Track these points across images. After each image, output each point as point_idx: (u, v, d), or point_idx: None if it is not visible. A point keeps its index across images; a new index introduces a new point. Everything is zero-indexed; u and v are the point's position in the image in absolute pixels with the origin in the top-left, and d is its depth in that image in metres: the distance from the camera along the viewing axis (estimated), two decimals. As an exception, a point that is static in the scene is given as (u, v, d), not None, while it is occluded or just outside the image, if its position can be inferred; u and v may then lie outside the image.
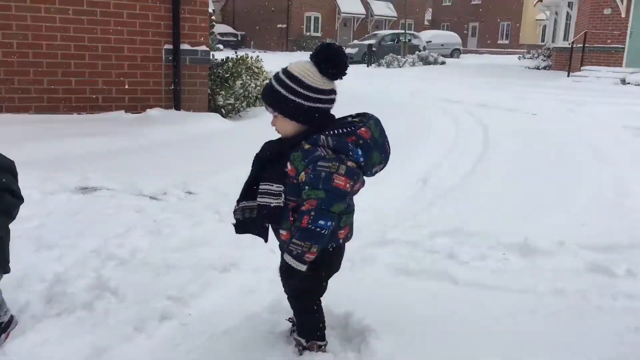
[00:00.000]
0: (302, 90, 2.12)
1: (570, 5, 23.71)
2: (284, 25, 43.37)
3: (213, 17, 16.07)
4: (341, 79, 2.21)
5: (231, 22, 47.70)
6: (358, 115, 2.27)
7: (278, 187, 2.14)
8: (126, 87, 7.88)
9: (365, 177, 2.25)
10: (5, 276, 3.07)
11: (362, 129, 2.17)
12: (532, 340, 2.65)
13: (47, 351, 2.40)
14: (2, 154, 2.45)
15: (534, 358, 2.51)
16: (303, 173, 2.10)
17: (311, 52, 2.23)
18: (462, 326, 2.74)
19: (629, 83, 17.41)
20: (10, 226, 3.79)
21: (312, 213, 2.06)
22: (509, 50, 45.68)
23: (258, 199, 2.19)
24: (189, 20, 8.14)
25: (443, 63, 28.66)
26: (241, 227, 2.35)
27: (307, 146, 2.11)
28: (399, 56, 28.26)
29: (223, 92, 8.50)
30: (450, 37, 40.06)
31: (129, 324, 2.69)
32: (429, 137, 8.03)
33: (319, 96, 2.16)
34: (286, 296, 2.45)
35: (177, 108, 8.10)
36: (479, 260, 3.63)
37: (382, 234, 4.04)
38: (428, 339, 2.58)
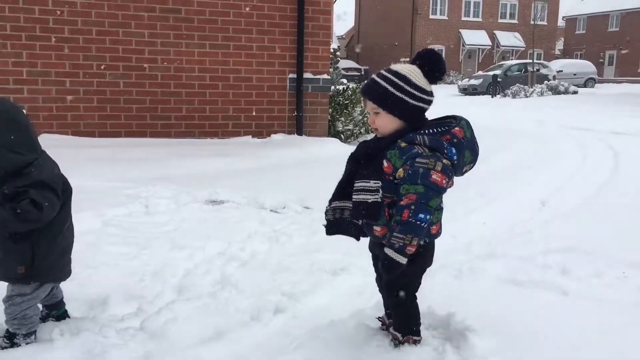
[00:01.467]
0: (409, 88, 2.27)
1: None
2: (407, 59, 43.58)
3: (338, 53, 16.78)
4: (441, 80, 2.38)
5: (355, 57, 48.91)
6: (448, 117, 2.40)
7: (375, 183, 2.24)
8: (253, 113, 8.47)
9: (457, 178, 2.35)
10: (142, 269, 3.51)
11: (456, 128, 2.31)
12: (644, 352, 2.56)
13: (176, 327, 2.70)
14: (48, 167, 2.43)
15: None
16: (401, 169, 2.21)
17: (414, 57, 2.39)
18: (569, 334, 2.69)
19: None
20: (150, 229, 4.30)
21: (412, 207, 2.16)
22: (650, 78, 42.50)
23: (354, 197, 2.29)
24: (312, 51, 8.61)
25: (575, 92, 27.34)
26: (332, 227, 2.46)
27: (403, 144, 2.24)
28: (526, 86, 27.38)
29: (342, 119, 8.84)
30: (583, 66, 38.15)
31: (246, 313, 2.95)
32: (552, 162, 7.77)
33: (423, 96, 2.31)
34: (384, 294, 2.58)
35: (299, 133, 8.54)
36: (595, 277, 3.51)
37: (492, 248, 4.04)
38: (530, 343, 2.58)
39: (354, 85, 9.76)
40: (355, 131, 8.96)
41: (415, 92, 2.29)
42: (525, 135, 10.61)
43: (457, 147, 2.29)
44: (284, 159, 7.12)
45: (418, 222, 2.18)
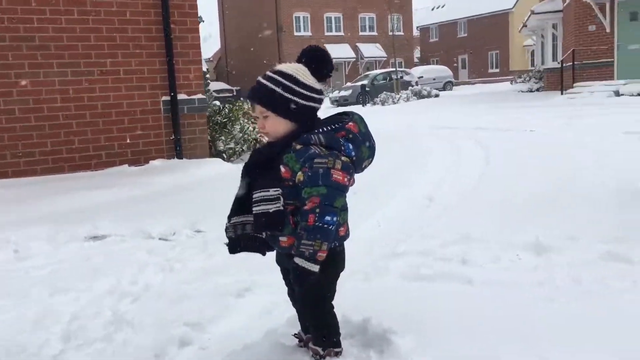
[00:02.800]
0: (297, 88, 2.17)
1: (554, 26, 24.17)
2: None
3: (207, 75, 16.53)
4: (330, 76, 2.31)
5: (225, 78, 48.59)
6: (339, 114, 2.34)
7: (275, 191, 2.11)
8: (128, 141, 8.01)
9: (356, 176, 2.29)
10: (21, 320, 3.10)
11: (350, 123, 2.24)
12: (551, 327, 2.63)
13: (69, 381, 2.39)
14: None
15: (554, 345, 2.48)
16: (300, 173, 2.11)
17: (299, 55, 2.29)
18: (482, 320, 2.71)
19: (622, 94, 17.55)
20: (25, 276, 3.85)
21: (317, 210, 2.06)
22: (500, 78, 46.29)
23: (254, 209, 2.14)
24: (183, 71, 8.33)
25: (437, 96, 29.02)
26: (235, 245, 2.31)
27: (299, 146, 2.14)
28: (393, 93, 28.66)
29: (223, 138, 8.63)
30: (441, 71, 40.75)
31: (148, 351, 2.68)
32: (430, 160, 8.08)
33: (312, 95, 2.22)
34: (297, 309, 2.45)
35: (179, 157, 8.20)
36: (493, 262, 3.62)
37: (392, 247, 4.05)
38: (449, 335, 2.56)
39: (231, 105, 9.58)
40: (237, 149, 8.77)
41: (304, 92, 2.20)
42: (401, 139, 10.98)
43: (353, 142, 2.22)
44: (167, 184, 6.77)
45: (325, 225, 2.07)
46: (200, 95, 8.46)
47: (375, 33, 48.66)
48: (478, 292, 3.11)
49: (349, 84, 35.92)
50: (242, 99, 9.76)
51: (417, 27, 58.52)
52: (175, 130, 8.17)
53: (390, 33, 36.55)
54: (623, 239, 3.84)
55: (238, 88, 45.65)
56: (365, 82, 32.32)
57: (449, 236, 4.17)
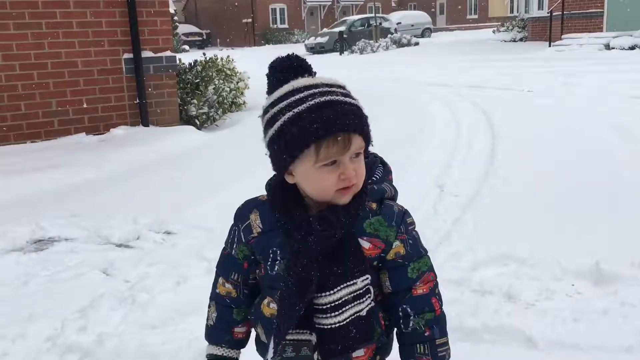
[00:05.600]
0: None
1: (541, -28, 23.06)
2: (249, 20, 42.22)
3: (175, 18, 15.16)
4: None
5: (194, 20, 46.39)
6: None
7: (364, 279, 1.28)
8: (84, 105, 6.93)
9: None
10: None
11: (385, 162, 1.45)
12: None
13: None
14: None
15: None
16: (398, 242, 1.31)
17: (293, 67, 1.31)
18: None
19: (613, 48, 16.80)
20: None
21: (437, 290, 1.38)
22: (479, 24, 45.08)
23: (334, 320, 1.26)
24: (149, 24, 7.19)
25: (417, 44, 27.88)
26: None
27: (374, 205, 1.32)
28: (372, 41, 27.44)
29: (195, 101, 7.60)
30: (419, 17, 39.32)
31: None
32: (428, 131, 7.21)
33: None
34: None
35: (145, 124, 7.17)
36: (547, 299, 2.85)
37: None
38: None
39: (202, 59, 8.48)
40: (211, 114, 7.76)
41: None
42: (392, 100, 10.06)
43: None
44: (130, 162, 5.80)
45: (444, 311, 1.39)
46: (168, 53, 7.36)
47: (351, -25, 46.68)
48: (547, 361, 2.33)
49: (325, 30, 34.39)
50: (211, 48, 8.53)
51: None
52: (140, 94, 7.10)
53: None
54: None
55: (208, 31, 43.68)
56: (342, 28, 30.85)
57: (481, 252, 3.37)
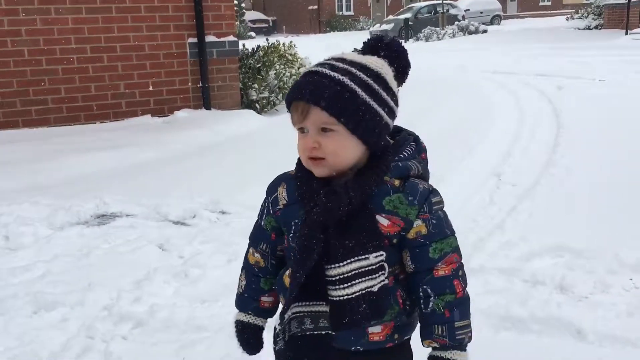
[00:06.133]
0: (386, 97, 1.30)
1: (621, -44, 21.92)
2: (315, 7, 42.26)
3: (243, 5, 15.35)
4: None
5: (261, 8, 46.88)
6: None
7: (378, 255, 1.27)
8: (150, 88, 7.17)
9: None
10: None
11: (420, 140, 1.43)
12: None
13: None
14: None
15: None
16: (419, 221, 1.30)
17: (368, 44, 1.39)
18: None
19: (697, 37, 15.85)
20: (7, 279, 3.14)
21: (460, 272, 1.33)
22: (552, 12, 43.41)
23: (342, 292, 1.26)
24: (213, 9, 7.34)
25: (485, 32, 27.17)
26: (298, 353, 1.36)
27: (397, 182, 1.31)
28: (438, 28, 26.95)
29: (256, 85, 7.71)
30: (489, 4, 38.18)
31: None
32: (491, 119, 7.04)
33: (395, 108, 1.34)
34: None
35: (207, 107, 7.35)
36: (602, 292, 2.75)
37: (464, 258, 3.18)
38: None
39: (265, 44, 8.57)
40: (271, 99, 7.85)
41: (391, 102, 1.32)
42: (454, 86, 9.88)
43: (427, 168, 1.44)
44: (191, 143, 5.95)
45: (468, 292, 1.35)
46: (231, 38, 7.49)
47: (420, -39, 45.83)
48: (595, 356, 2.25)
49: (390, 17, 34.02)
50: (275, 39, 8.57)
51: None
52: (203, 77, 7.27)
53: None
54: None
55: (274, 18, 44.07)
56: (408, 15, 30.48)
57: (535, 242, 3.28)
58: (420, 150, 1.40)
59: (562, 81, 9.71)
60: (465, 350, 1.32)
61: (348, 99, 1.25)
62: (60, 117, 6.77)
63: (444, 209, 1.34)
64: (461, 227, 3.60)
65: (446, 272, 1.30)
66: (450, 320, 1.30)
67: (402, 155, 1.35)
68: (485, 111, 7.46)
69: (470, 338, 1.33)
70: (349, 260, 1.26)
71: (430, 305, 1.30)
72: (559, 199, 4.09)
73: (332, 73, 1.26)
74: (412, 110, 6.22)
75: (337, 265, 1.26)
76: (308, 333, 1.32)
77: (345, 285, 1.26)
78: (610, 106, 7.25)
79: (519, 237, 3.36)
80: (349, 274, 1.26)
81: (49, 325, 2.68)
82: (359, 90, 1.25)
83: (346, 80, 1.25)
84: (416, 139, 1.42)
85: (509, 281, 2.89)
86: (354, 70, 1.28)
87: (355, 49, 1.43)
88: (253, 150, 5.88)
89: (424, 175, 1.37)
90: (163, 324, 2.67)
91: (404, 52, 1.39)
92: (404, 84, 1.41)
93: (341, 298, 1.26)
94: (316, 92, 1.24)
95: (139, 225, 3.90)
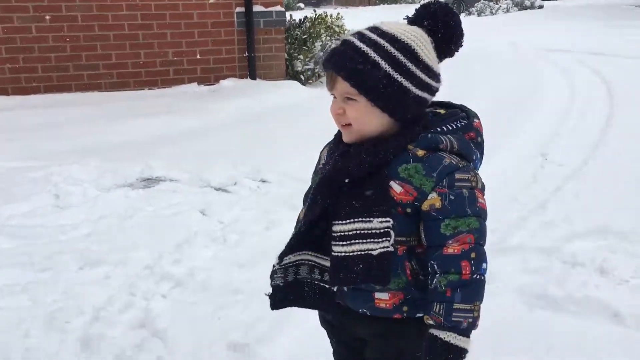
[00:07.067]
0: (415, 70, 1.29)
1: None
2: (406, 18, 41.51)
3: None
4: (454, 55, 1.41)
5: (311, -22, 46.44)
6: (440, 102, 1.46)
7: (383, 221, 1.29)
8: (197, 57, 7.25)
9: None
10: (31, 314, 2.52)
11: (476, 120, 1.42)
12: None
13: None
14: None
15: None
16: (435, 195, 1.29)
17: (415, 12, 1.39)
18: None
19: None
20: (56, 236, 3.28)
21: (473, 255, 1.28)
22: (614, -12, 41.51)
23: (341, 249, 1.30)
24: (261, -22, 7.34)
25: (541, 7, 26.18)
26: (283, 297, 1.47)
27: (420, 152, 1.31)
28: (491, 2, 26.17)
29: (301, 56, 7.69)
30: (547, -22, 36.83)
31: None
32: (541, 97, 6.85)
33: (431, 82, 1.34)
34: None
35: (253, 77, 7.39)
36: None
37: (502, 234, 3.16)
38: None
39: (312, 16, 8.51)
40: (317, 70, 7.83)
41: (423, 76, 1.31)
42: (504, 62, 9.62)
43: (480, 149, 1.42)
44: (235, 112, 6.01)
45: (483, 278, 1.30)
46: (278, 7, 7.47)
47: None
48: (631, 339, 2.21)
49: (443, -11, 33.15)
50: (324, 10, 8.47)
51: None
52: (249, 47, 7.29)
53: None
54: None
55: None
56: (461, -12, 29.68)
57: (578, 223, 3.21)
58: (468, 128, 1.39)
59: (618, 61, 9.32)
60: (465, 335, 1.28)
61: (369, 71, 1.27)
62: (111, 82, 6.93)
63: (477, 188, 1.31)
64: (501, 205, 3.58)
65: (456, 250, 1.28)
66: (449, 300, 1.27)
67: (439, 129, 1.35)
68: (536, 89, 7.25)
69: (471, 324, 1.28)
70: (351, 220, 1.30)
71: (434, 282, 1.29)
72: (607, 181, 3.98)
73: (358, 43, 1.29)
74: (461, 86, 6.12)
75: (340, 222, 1.31)
76: (316, 282, 1.41)
77: (344, 242, 1.30)
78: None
79: (562, 218, 3.30)
80: (350, 233, 1.30)
81: (92, 281, 2.80)
82: (382, 62, 1.27)
83: (370, 51, 1.28)
84: (468, 116, 1.40)
85: (547, 261, 2.85)
86: (381, 41, 1.29)
87: (407, 17, 1.42)
88: (296, 121, 5.89)
89: (464, 153, 1.34)
90: (201, 285, 2.75)
91: (450, 22, 1.36)
92: (451, 56, 1.40)
93: (339, 254, 1.30)
94: (340, 62, 1.30)
95: (181, 190, 4.00)
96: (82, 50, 6.78)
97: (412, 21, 1.37)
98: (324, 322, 1.62)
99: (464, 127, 1.38)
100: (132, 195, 3.85)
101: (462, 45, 1.38)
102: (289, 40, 7.85)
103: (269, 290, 1.47)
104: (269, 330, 2.37)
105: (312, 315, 2.24)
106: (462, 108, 1.45)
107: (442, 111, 1.43)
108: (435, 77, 1.34)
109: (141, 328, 2.44)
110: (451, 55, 1.39)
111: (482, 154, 1.43)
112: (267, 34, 7.45)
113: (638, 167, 4.22)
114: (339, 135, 1.43)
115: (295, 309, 1.92)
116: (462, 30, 1.37)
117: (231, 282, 2.75)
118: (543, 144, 4.95)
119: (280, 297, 1.47)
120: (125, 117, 5.69)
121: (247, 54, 7.35)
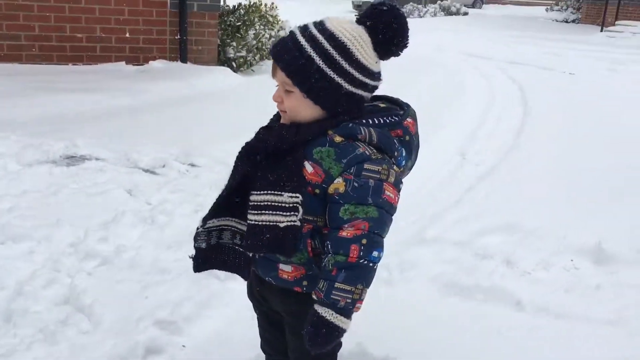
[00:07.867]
0: (348, 67, 1.39)
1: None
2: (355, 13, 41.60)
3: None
4: (399, 55, 1.49)
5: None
6: (380, 97, 1.56)
7: (292, 196, 1.38)
8: (127, 35, 7.09)
9: None
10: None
11: (408, 119, 1.50)
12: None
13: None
14: None
15: None
16: (340, 180, 1.38)
17: (363, 11, 1.47)
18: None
19: (668, 41, 16.24)
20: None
21: (364, 241, 1.36)
22: (534, 0, 43.70)
23: (254, 217, 1.41)
24: (197, -40, 7.26)
25: (466, 14, 27.27)
26: (205, 259, 1.59)
27: (338, 139, 1.40)
28: (420, 5, 26.93)
29: (234, 43, 7.68)
30: (473, -14, 38.22)
31: (102, 364, 2.05)
32: (462, 100, 7.20)
33: (366, 80, 1.43)
34: None
35: (183, 60, 7.31)
36: (544, 269, 2.95)
37: (421, 228, 3.36)
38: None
39: (246, 3, 8.50)
40: (249, 58, 7.85)
41: (357, 74, 1.41)
42: (429, 64, 9.99)
43: (407, 147, 1.50)
44: (165, 94, 5.95)
45: (371, 264, 1.38)
46: (213, -8, 7.43)
47: None
48: (530, 325, 2.44)
49: (374, -12, 33.71)
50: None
51: None
52: (182, 30, 7.21)
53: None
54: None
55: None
56: (392, -12, 30.29)
57: (489, 220, 3.46)
58: (396, 125, 1.47)
59: (533, 70, 9.94)
60: (343, 315, 1.36)
61: (303, 65, 1.38)
62: (32, 54, 6.66)
63: (386, 182, 1.38)
64: (421, 202, 3.79)
65: (348, 234, 1.36)
66: (332, 278, 1.35)
67: (364, 121, 1.43)
68: (457, 92, 7.61)
69: (349, 305, 1.35)
70: (265, 192, 1.41)
71: (325, 261, 1.39)
72: (517, 182, 4.28)
73: (298, 37, 1.40)
74: (387, 87, 6.33)
75: (255, 192, 1.42)
76: (237, 247, 1.56)
77: (256, 212, 1.41)
78: (578, 99, 7.49)
79: (475, 214, 3.55)
80: (262, 204, 1.41)
81: (16, 256, 2.74)
82: (316, 57, 1.38)
83: (307, 46, 1.39)
84: (405, 115, 1.49)
85: (460, 252, 3.06)
86: (320, 37, 1.38)
87: (356, 15, 1.52)
88: (226, 107, 5.91)
89: (382, 147, 1.42)
90: (128, 264, 2.76)
91: (393, 24, 1.42)
92: (396, 56, 1.47)
93: (250, 222, 1.42)
94: (279, 53, 1.42)
95: (108, 169, 3.94)
96: (3, 20, 6.47)
97: (357, 19, 1.46)
98: (250, 294, 1.72)
99: (392, 123, 1.46)
100: (56, 172, 3.76)
101: (406, 47, 1.46)
102: (222, 26, 7.83)
103: (192, 252, 1.59)
104: (196, 309, 2.43)
105: (239, 295, 2.34)
106: (403, 107, 1.53)
107: (382, 105, 1.53)
108: (372, 75, 1.43)
109: (65, 304, 2.43)
110: (395, 55, 1.47)
111: (410, 152, 1.51)
112: (200, 18, 7.39)
113: (547, 168, 4.57)
114: (276, 118, 1.56)
115: (223, 288, 2.01)
116: (406, 32, 1.44)
117: (159, 262, 2.78)
118: (462, 144, 5.24)
119: (203, 259, 1.59)
120: (47, 92, 5.50)
121: (179, 36, 7.26)
